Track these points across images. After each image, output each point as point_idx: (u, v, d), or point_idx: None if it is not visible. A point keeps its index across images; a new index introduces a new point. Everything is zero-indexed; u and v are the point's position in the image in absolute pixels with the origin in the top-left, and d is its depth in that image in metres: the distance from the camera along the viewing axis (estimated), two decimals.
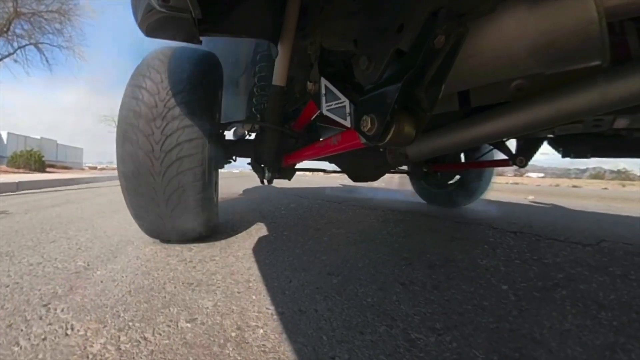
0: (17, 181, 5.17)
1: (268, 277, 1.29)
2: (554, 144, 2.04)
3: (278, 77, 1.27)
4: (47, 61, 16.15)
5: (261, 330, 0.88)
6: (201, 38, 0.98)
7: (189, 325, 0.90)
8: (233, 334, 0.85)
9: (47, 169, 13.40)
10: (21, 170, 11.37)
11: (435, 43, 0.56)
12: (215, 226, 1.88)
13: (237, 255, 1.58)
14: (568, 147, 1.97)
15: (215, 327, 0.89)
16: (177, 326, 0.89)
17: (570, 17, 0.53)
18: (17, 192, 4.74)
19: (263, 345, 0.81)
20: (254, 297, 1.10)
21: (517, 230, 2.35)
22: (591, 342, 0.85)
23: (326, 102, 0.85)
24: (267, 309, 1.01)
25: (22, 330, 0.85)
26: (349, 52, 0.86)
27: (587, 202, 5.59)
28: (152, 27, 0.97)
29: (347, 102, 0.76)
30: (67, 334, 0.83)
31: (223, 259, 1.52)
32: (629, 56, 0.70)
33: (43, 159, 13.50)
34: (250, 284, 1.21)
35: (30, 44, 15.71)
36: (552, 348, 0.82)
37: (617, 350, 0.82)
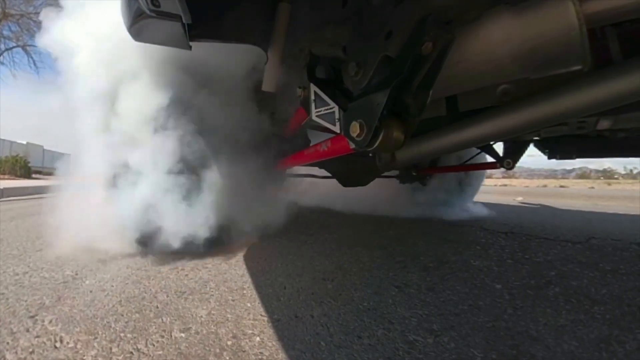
0: (1, 187, 5.03)
1: (262, 283, 1.28)
2: (540, 146, 2.09)
3: (267, 83, 1.28)
4: (34, 64, 15.83)
5: (257, 338, 0.87)
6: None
7: (183, 335, 0.88)
8: (229, 343, 0.84)
9: (33, 175, 13.07)
10: (6, 177, 11.06)
11: (422, 49, 0.58)
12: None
13: (230, 263, 1.57)
14: (554, 148, 2.02)
15: (211, 336, 0.88)
16: (171, 336, 0.87)
17: (552, 24, 0.55)
18: (2, 199, 4.61)
19: (260, 353, 0.80)
20: (248, 304, 1.09)
21: (508, 231, 2.38)
22: (586, 336, 0.87)
23: (315, 107, 0.85)
24: (262, 316, 1.00)
25: (8, 343, 0.82)
26: (338, 58, 0.88)
27: (575, 202, 5.72)
28: (141, 32, 0.96)
29: (336, 108, 0.77)
30: (56, 347, 0.81)
31: (216, 267, 1.50)
32: (610, 60, 0.72)
33: (29, 164, 13.18)
34: (245, 291, 1.20)
35: (18, 46, 15.41)
36: (549, 344, 0.84)
37: (611, 343, 0.84)
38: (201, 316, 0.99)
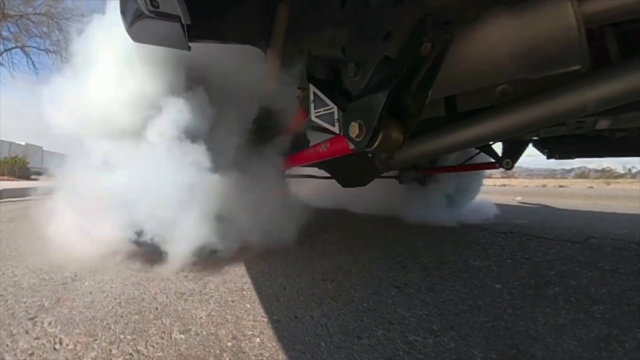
0: (0, 189, 5.02)
1: (262, 284, 1.28)
2: (539, 146, 2.10)
3: (267, 84, 1.28)
4: (33, 65, 15.75)
5: (257, 339, 0.87)
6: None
7: (182, 336, 0.88)
8: (229, 344, 0.84)
9: (32, 176, 13.03)
10: (5, 178, 11.03)
11: (421, 50, 0.58)
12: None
13: (230, 263, 1.56)
14: (553, 148, 2.03)
15: (210, 337, 0.88)
16: (171, 338, 0.87)
17: (550, 24, 0.55)
18: (1, 200, 4.60)
19: (260, 354, 0.80)
20: (248, 305, 1.09)
21: (507, 231, 2.39)
22: (586, 336, 0.87)
23: (315, 108, 0.85)
24: (262, 317, 1.00)
25: (7, 345, 0.82)
26: (337, 58, 0.88)
27: (574, 201, 5.73)
28: (140, 32, 0.96)
29: (335, 109, 0.77)
30: (55, 349, 0.81)
31: (215, 268, 1.50)
32: (608, 60, 0.73)
33: (28, 165, 13.14)
34: (244, 292, 1.20)
35: (17, 47, 15.35)
36: (548, 343, 0.84)
37: (611, 342, 0.84)
38: (201, 317, 0.99)
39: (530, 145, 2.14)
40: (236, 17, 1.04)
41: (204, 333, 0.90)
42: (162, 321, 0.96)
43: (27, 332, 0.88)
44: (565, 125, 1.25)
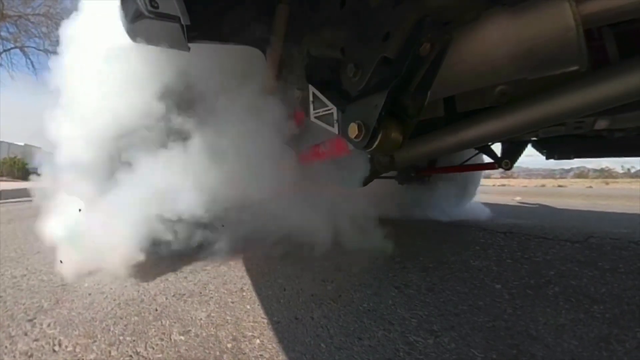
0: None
1: (262, 285, 1.28)
2: (538, 146, 2.10)
3: (266, 84, 1.28)
4: (32, 65, 15.73)
5: (258, 341, 0.87)
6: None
7: (182, 337, 0.88)
8: (229, 345, 0.84)
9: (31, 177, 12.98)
10: (4, 178, 11.02)
11: (421, 50, 0.58)
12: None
13: (229, 265, 1.56)
14: (552, 148, 2.03)
15: (210, 338, 0.87)
16: (170, 339, 0.87)
17: (549, 24, 0.56)
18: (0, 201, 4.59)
19: (260, 355, 0.80)
20: (248, 306, 1.09)
21: (506, 231, 2.39)
22: (586, 335, 0.87)
23: (314, 109, 0.85)
24: (262, 318, 1.00)
25: (6, 347, 0.82)
26: (337, 59, 0.88)
27: (573, 201, 5.74)
28: (139, 32, 0.96)
29: (334, 109, 0.77)
30: (54, 351, 0.81)
31: (215, 269, 1.50)
32: (607, 61, 0.73)
33: (27, 166, 13.12)
34: (244, 293, 1.20)
35: (16, 47, 15.32)
36: (548, 343, 0.84)
37: (611, 342, 0.84)
38: (201, 319, 0.99)
39: (529, 146, 2.14)
40: (235, 18, 1.04)
41: (204, 334, 0.89)
42: (161, 322, 0.96)
43: (26, 334, 0.88)
44: (564, 126, 1.26)
